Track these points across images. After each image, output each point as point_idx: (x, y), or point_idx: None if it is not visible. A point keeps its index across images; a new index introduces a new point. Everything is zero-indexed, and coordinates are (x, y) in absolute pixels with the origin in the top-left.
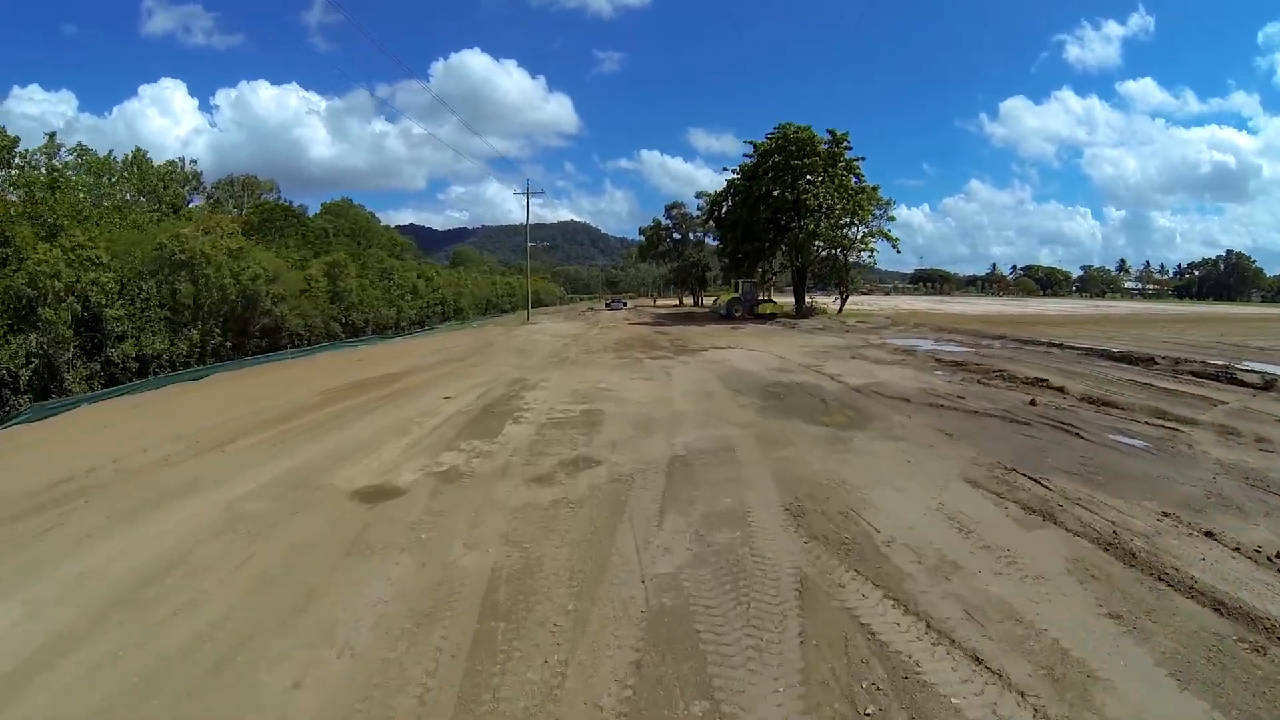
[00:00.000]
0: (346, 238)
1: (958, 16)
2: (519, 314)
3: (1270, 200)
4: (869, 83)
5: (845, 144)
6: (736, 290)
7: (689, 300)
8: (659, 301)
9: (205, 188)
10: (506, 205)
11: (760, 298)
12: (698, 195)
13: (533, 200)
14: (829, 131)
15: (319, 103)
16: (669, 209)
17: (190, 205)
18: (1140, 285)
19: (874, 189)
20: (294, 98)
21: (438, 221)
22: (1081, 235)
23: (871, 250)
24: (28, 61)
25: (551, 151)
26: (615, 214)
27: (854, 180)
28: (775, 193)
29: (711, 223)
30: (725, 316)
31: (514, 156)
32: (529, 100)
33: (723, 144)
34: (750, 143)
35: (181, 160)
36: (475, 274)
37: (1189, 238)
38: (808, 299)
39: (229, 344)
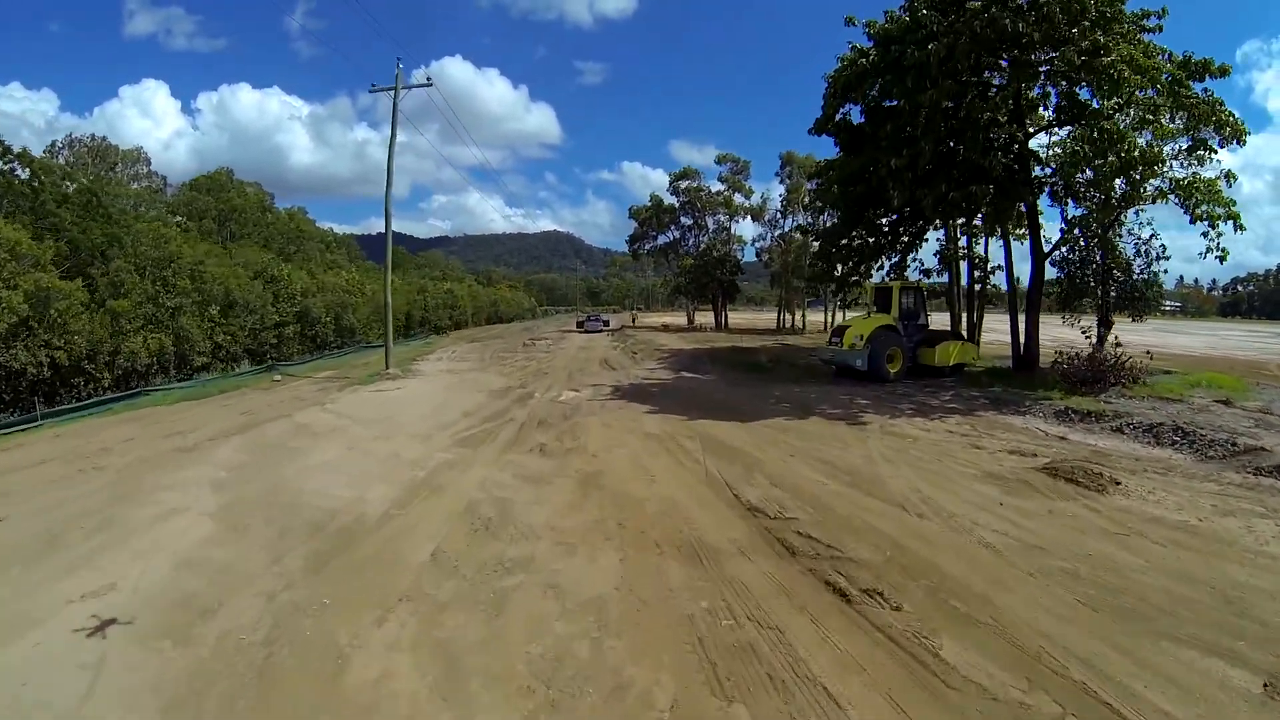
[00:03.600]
0: (214, 223)
1: None
2: (447, 338)
3: (1249, 218)
4: None
5: None
6: (885, 307)
7: (704, 318)
8: (641, 319)
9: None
10: (488, 215)
11: (923, 324)
12: (719, 161)
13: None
14: None
15: (301, 108)
16: (675, 179)
17: None
18: (1181, 303)
19: (1205, 67)
20: (276, 102)
21: (420, 230)
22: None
23: (1218, 223)
24: (9, 59)
25: (534, 162)
26: (598, 225)
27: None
28: (1018, 36)
29: (832, 137)
30: (870, 373)
31: (495, 168)
32: (511, 110)
33: (704, 156)
34: None
35: None
36: (394, 278)
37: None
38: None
39: None
